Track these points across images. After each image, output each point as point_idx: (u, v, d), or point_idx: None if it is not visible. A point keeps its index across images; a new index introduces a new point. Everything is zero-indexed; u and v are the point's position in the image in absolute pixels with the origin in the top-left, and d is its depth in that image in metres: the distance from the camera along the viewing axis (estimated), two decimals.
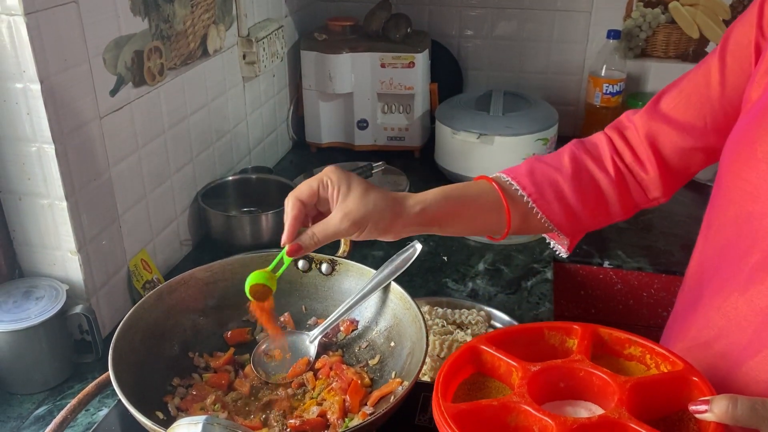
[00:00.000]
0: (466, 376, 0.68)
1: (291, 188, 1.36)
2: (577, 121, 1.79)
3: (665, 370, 0.65)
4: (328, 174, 0.75)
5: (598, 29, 1.70)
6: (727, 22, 1.63)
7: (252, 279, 0.75)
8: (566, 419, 0.58)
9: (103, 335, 1.01)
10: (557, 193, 0.83)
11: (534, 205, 0.83)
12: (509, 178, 0.84)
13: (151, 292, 0.79)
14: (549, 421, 0.58)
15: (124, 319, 0.75)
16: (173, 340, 0.81)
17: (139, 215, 1.13)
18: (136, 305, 0.77)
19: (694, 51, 1.68)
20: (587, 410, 0.63)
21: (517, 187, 0.83)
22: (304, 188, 0.74)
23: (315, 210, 0.77)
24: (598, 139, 0.89)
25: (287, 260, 0.75)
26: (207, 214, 1.29)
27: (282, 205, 1.28)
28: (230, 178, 1.40)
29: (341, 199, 0.73)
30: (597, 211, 0.86)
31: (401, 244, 1.34)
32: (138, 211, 1.12)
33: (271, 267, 0.76)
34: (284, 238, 0.73)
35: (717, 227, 0.74)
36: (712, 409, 0.56)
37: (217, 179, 1.37)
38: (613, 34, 1.63)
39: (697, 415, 0.58)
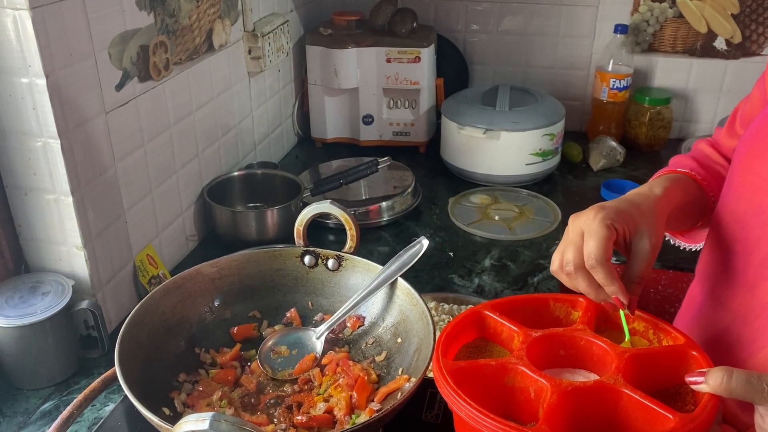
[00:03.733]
0: (469, 340, 0.69)
1: (296, 183, 1.38)
2: (584, 117, 1.78)
3: (666, 344, 0.65)
4: (609, 216, 0.67)
5: (605, 24, 1.68)
6: (735, 17, 1.61)
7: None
8: (562, 382, 0.59)
9: (109, 331, 1.01)
10: (720, 182, 0.82)
11: (713, 194, 0.82)
12: (693, 172, 0.82)
13: (158, 287, 0.79)
14: (545, 383, 0.59)
15: (131, 314, 0.75)
16: (179, 336, 0.81)
17: (144, 211, 1.12)
18: (142, 301, 0.77)
19: (702, 46, 1.67)
20: (585, 378, 0.64)
21: (702, 179, 0.82)
22: (598, 246, 0.65)
23: None
24: (706, 143, 0.89)
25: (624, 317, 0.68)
26: (213, 210, 1.29)
27: (288, 200, 1.29)
28: (236, 173, 1.39)
29: (636, 229, 0.68)
30: None
31: (407, 239, 1.34)
32: (144, 207, 1.12)
33: (627, 337, 0.68)
34: (624, 299, 0.65)
35: (727, 222, 0.73)
36: (707, 381, 0.56)
37: (222, 174, 1.37)
38: (620, 28, 1.62)
39: (692, 386, 0.58)
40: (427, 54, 1.61)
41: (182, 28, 1.17)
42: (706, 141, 0.89)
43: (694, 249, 0.90)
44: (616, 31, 1.63)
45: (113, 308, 1.05)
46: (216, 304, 0.85)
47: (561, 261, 0.67)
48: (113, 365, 0.69)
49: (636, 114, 1.69)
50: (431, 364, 0.68)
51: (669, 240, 0.90)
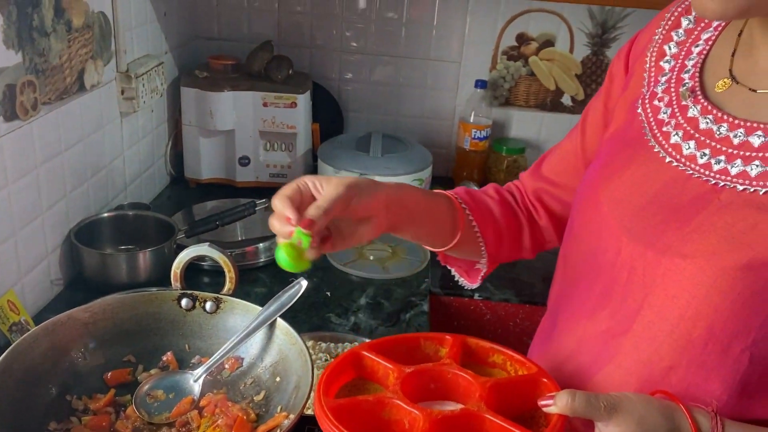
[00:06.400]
0: (347, 380, 0.74)
1: (170, 225, 1.37)
2: (449, 163, 1.91)
3: (522, 374, 0.74)
4: (303, 177, 0.75)
5: (467, 79, 1.83)
6: (579, 77, 1.82)
7: (282, 258, 0.70)
8: (432, 411, 0.65)
9: None
10: (490, 215, 0.92)
11: (474, 220, 0.90)
12: (454, 194, 0.91)
13: (27, 333, 0.76)
14: (417, 413, 0.65)
15: None
16: (50, 383, 0.78)
17: (6, 254, 1.07)
18: (10, 348, 0.74)
19: (551, 101, 1.86)
20: (453, 407, 0.70)
21: (461, 201, 0.90)
22: (286, 188, 0.73)
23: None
24: (511, 186, 1.00)
25: (306, 238, 0.69)
26: (80, 252, 1.24)
27: (160, 242, 1.28)
28: (105, 214, 1.36)
29: (327, 181, 0.74)
30: (516, 242, 0.95)
31: (284, 280, 1.36)
32: (5, 251, 1.07)
33: (295, 239, 0.69)
34: (293, 217, 0.69)
35: (571, 262, 0.83)
36: (555, 403, 0.65)
37: (91, 216, 1.33)
38: (480, 83, 1.77)
39: (544, 409, 0.66)
40: (303, 100, 1.67)
41: (52, 68, 1.14)
42: (512, 182, 1.00)
43: (473, 287, 1.00)
44: (476, 86, 1.78)
45: None
46: (89, 349, 0.84)
47: None
48: None
49: (495, 162, 1.84)
50: (311, 401, 0.72)
51: (458, 280, 1.00)
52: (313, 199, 0.73)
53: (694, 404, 0.65)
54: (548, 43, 1.79)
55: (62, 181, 1.23)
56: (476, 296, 1.39)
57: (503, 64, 1.82)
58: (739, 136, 0.67)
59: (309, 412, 0.95)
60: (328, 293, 1.33)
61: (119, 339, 0.86)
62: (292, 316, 0.87)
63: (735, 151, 0.66)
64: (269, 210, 1.51)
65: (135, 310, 0.88)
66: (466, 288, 1.01)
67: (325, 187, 0.73)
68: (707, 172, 0.67)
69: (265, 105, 1.65)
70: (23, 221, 1.11)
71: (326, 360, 1.09)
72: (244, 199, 1.51)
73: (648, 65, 0.80)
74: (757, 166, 0.64)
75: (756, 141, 0.65)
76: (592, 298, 0.76)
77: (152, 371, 0.87)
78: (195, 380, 0.85)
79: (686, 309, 0.65)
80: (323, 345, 1.13)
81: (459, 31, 1.79)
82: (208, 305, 0.90)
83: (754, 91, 0.68)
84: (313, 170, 1.74)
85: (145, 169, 1.61)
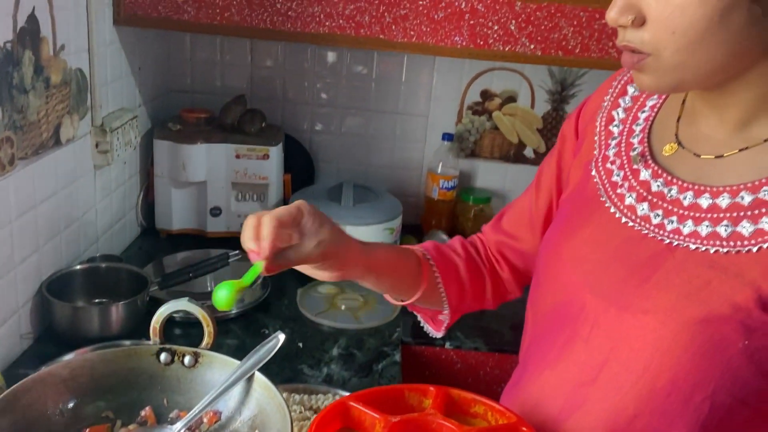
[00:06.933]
0: (334, 431, 0.75)
1: (143, 277, 1.37)
2: (418, 211, 1.96)
3: (502, 423, 0.77)
4: (302, 205, 0.77)
5: (434, 131, 1.90)
6: (540, 131, 1.90)
7: (223, 296, 0.75)
8: None
9: None
10: (455, 271, 0.97)
11: (439, 276, 0.95)
12: (423, 250, 0.96)
13: (6, 392, 0.76)
14: None
15: None
16: None
17: None
18: None
19: (514, 153, 1.93)
20: None
21: (429, 257, 0.95)
22: (282, 212, 0.75)
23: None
24: (475, 239, 1.05)
25: (256, 270, 0.73)
26: (52, 306, 1.24)
27: (133, 294, 1.28)
28: (78, 267, 1.36)
29: (316, 227, 0.77)
30: (479, 295, 1.00)
31: (257, 332, 1.37)
32: None
33: (244, 279, 0.74)
34: (265, 249, 0.72)
35: (539, 313, 0.88)
36: None
37: (63, 269, 1.33)
38: (447, 136, 1.84)
39: None
40: (276, 152, 1.71)
41: (30, 124, 1.16)
42: (475, 235, 1.06)
43: (438, 336, 1.05)
44: (443, 138, 1.84)
45: None
46: (68, 406, 0.83)
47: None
48: None
49: (463, 210, 1.89)
50: None
51: (423, 326, 1.06)
52: (297, 231, 0.76)
53: None
54: (511, 99, 1.87)
55: (35, 234, 1.23)
56: (447, 345, 1.42)
57: (468, 118, 1.89)
58: (689, 198, 0.71)
59: None
60: (300, 344, 1.34)
61: (98, 394, 0.86)
62: (264, 367, 0.89)
63: (686, 212, 0.71)
64: (242, 261, 1.53)
65: (114, 365, 0.88)
66: (431, 336, 1.06)
67: (306, 238, 0.76)
68: (661, 232, 0.72)
69: (237, 157, 1.68)
70: None
71: (300, 412, 1.10)
72: (215, 250, 1.53)
73: (598, 129, 0.86)
74: (707, 226, 0.69)
75: (704, 203, 0.70)
76: (556, 349, 0.80)
77: (131, 427, 0.87)
78: None
79: (650, 361, 0.69)
80: (296, 397, 1.14)
81: (426, 86, 1.87)
82: (187, 359, 0.91)
83: (699, 156, 0.74)
84: None
85: (117, 221, 1.62)
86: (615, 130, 0.83)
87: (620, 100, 0.85)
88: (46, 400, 0.81)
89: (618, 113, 0.84)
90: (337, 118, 1.92)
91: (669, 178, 0.74)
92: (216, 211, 1.73)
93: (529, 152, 1.93)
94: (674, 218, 0.71)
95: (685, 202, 0.71)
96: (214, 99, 1.83)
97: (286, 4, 1.42)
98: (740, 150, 0.70)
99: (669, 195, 0.73)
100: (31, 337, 1.25)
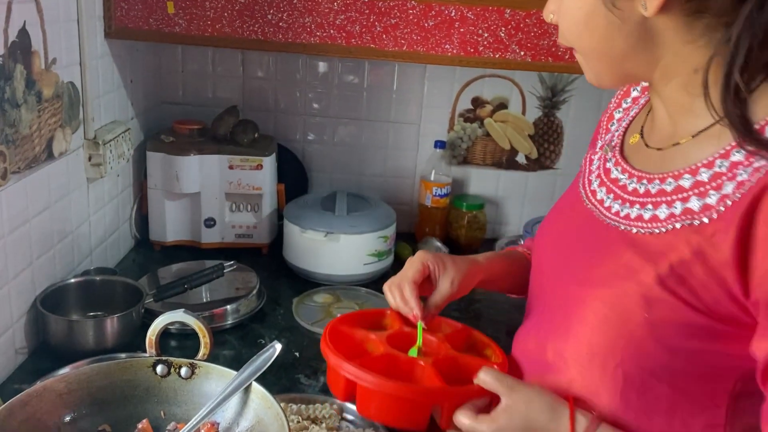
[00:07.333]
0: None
1: (138, 289, 1.37)
2: (412, 219, 1.96)
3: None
4: (426, 257, 0.93)
5: (426, 139, 1.91)
6: (531, 137, 1.91)
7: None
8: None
9: None
10: None
11: None
12: (526, 249, 1.06)
13: (2, 407, 0.76)
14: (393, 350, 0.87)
15: None
16: None
17: None
18: None
19: (507, 159, 1.94)
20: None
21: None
22: (414, 274, 0.92)
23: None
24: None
25: (420, 327, 0.90)
26: (46, 320, 1.24)
27: (128, 307, 1.28)
28: (72, 280, 1.35)
29: (443, 271, 0.93)
30: None
31: (253, 342, 1.37)
32: None
33: (418, 342, 0.89)
34: (418, 313, 0.90)
35: (529, 298, 0.95)
36: (479, 375, 0.80)
37: (57, 282, 1.32)
38: (439, 144, 1.85)
39: (474, 381, 0.80)
40: (269, 162, 1.71)
41: (22, 138, 1.16)
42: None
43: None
44: (435, 146, 1.85)
45: None
46: (65, 420, 0.83)
47: (389, 281, 0.94)
48: None
49: (456, 217, 1.90)
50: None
51: None
52: (429, 279, 0.93)
53: (582, 409, 0.76)
54: (502, 105, 1.88)
55: (29, 248, 1.23)
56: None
57: (460, 126, 1.90)
58: (632, 184, 0.78)
59: None
60: (297, 354, 1.34)
61: (94, 408, 0.86)
62: (261, 378, 0.89)
63: (627, 197, 0.77)
64: (235, 270, 1.53)
65: (110, 378, 0.88)
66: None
67: (440, 281, 0.93)
68: (608, 214, 0.79)
69: (231, 168, 1.69)
70: None
71: (298, 422, 1.09)
72: (210, 261, 1.53)
73: (602, 129, 0.94)
74: (637, 209, 0.75)
75: (641, 189, 0.76)
76: (529, 316, 0.91)
77: None
78: None
79: (578, 330, 0.77)
80: (294, 407, 1.14)
81: (417, 95, 1.88)
82: (183, 371, 0.91)
83: (648, 147, 0.80)
84: (279, 230, 1.77)
85: (110, 234, 1.62)
86: (612, 128, 0.91)
87: (623, 101, 0.93)
88: (43, 414, 0.81)
89: (618, 112, 0.92)
90: (330, 127, 1.92)
91: (625, 166, 0.81)
92: (210, 222, 1.73)
93: (521, 158, 1.94)
94: (619, 201, 0.78)
95: (629, 188, 0.78)
96: (207, 110, 1.83)
97: (277, 15, 1.43)
98: (674, 144, 0.75)
99: (620, 181, 0.80)
100: (26, 352, 1.24)
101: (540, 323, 0.87)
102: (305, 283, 1.63)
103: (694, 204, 0.69)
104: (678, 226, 0.70)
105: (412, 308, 0.89)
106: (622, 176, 0.80)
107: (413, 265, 0.92)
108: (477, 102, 1.88)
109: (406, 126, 1.91)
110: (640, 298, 0.70)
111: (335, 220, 1.62)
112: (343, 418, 1.14)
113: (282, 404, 1.10)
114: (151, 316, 1.10)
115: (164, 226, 1.73)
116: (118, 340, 1.26)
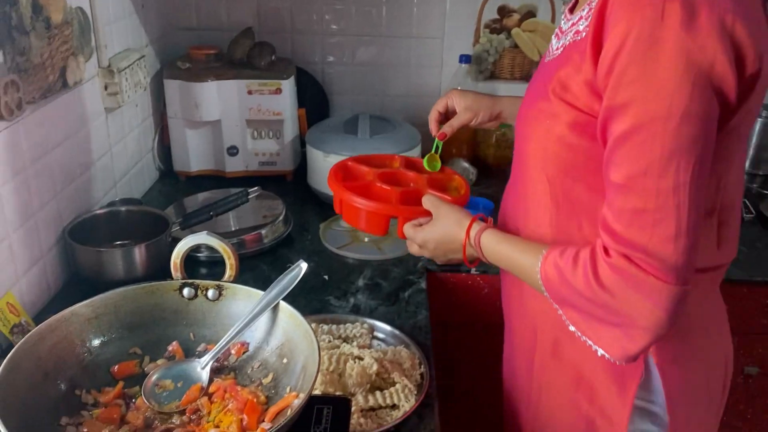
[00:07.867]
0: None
1: (164, 218, 1.36)
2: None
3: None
4: (450, 92, 1.18)
5: (450, 54, 1.83)
6: None
7: (426, 162, 1.18)
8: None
9: None
10: None
11: None
12: None
13: (32, 331, 0.76)
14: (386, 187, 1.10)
15: (5, 362, 0.72)
16: (58, 379, 0.78)
17: (2, 257, 1.07)
18: (16, 347, 0.74)
19: None
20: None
21: None
22: (437, 104, 1.18)
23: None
24: None
25: (440, 144, 1.17)
26: (75, 251, 1.24)
27: (155, 236, 1.28)
28: (98, 211, 1.35)
29: (463, 101, 1.15)
30: None
31: (282, 266, 1.37)
32: (0, 253, 1.06)
33: (432, 152, 1.17)
34: (433, 131, 1.17)
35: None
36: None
37: (83, 213, 1.32)
38: (464, 58, 1.77)
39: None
40: (288, 85, 1.66)
41: (34, 66, 1.13)
42: None
43: None
44: (461, 61, 1.77)
45: None
46: (94, 344, 0.84)
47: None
48: None
49: (484, 137, 1.84)
50: (320, 380, 0.74)
51: None
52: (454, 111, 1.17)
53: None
54: (530, 14, 1.78)
55: (52, 180, 1.22)
56: (473, 271, 1.40)
57: (486, 38, 1.82)
58: (567, 25, 0.86)
59: (316, 392, 0.96)
60: (326, 277, 1.33)
61: (123, 332, 0.87)
62: (291, 300, 0.88)
63: (561, 35, 0.87)
64: (261, 198, 1.51)
65: (137, 302, 0.88)
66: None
67: (458, 111, 1.16)
68: (550, 53, 0.90)
69: (249, 93, 1.64)
70: (16, 223, 1.10)
71: (329, 341, 1.09)
72: (235, 189, 1.51)
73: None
74: (559, 46, 0.86)
75: (564, 26, 0.87)
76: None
77: (159, 362, 0.87)
78: (202, 368, 0.85)
79: (526, 152, 0.90)
80: (325, 327, 1.14)
81: (440, 6, 1.79)
82: (210, 293, 0.90)
83: None
84: (302, 156, 1.74)
85: (134, 165, 1.61)
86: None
87: None
88: (72, 338, 0.82)
89: None
90: (349, 47, 1.86)
91: (569, 15, 0.88)
92: (233, 150, 1.70)
93: None
94: (558, 42, 0.88)
95: (564, 27, 0.88)
96: (222, 35, 1.78)
97: None
98: None
99: (564, 27, 0.88)
100: (59, 284, 1.25)
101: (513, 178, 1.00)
102: (331, 208, 1.59)
103: (581, 25, 0.81)
104: (567, 43, 0.82)
105: (431, 129, 1.18)
106: (565, 23, 0.90)
107: (440, 99, 1.18)
108: (503, 11, 1.78)
109: (428, 41, 1.83)
110: (544, 104, 0.84)
111: (359, 143, 1.58)
112: (374, 337, 1.14)
113: (313, 325, 1.11)
114: None
115: (187, 156, 1.71)
116: (147, 268, 1.27)
